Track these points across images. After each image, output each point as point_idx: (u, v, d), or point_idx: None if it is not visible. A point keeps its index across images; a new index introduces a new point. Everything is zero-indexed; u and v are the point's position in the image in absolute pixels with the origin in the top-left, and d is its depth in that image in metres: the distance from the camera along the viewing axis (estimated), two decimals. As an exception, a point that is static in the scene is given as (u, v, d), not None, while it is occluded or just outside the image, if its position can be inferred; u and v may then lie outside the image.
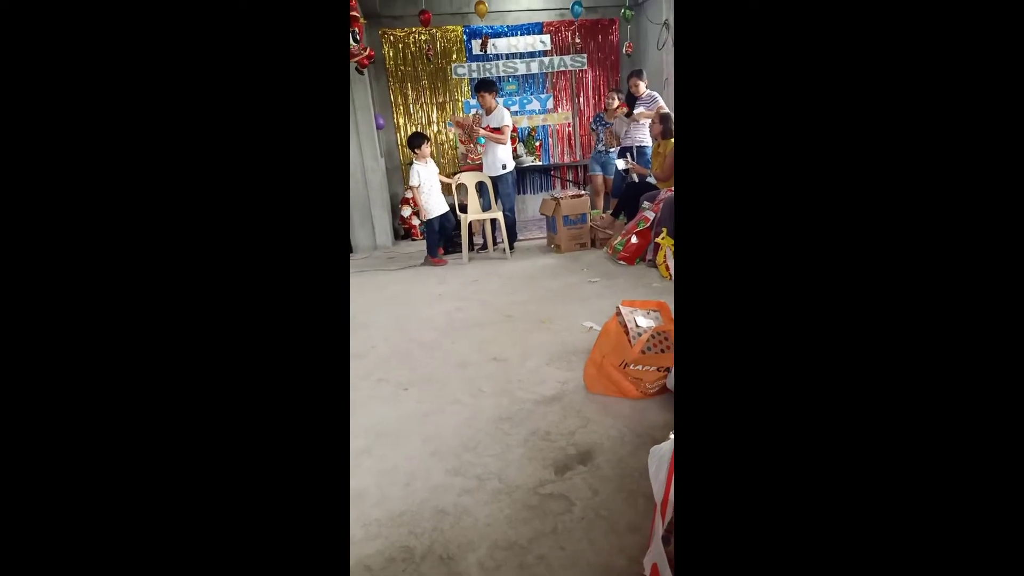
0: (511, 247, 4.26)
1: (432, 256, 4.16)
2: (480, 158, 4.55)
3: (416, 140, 4.10)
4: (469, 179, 4.33)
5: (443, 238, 4.30)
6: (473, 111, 4.83)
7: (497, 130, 4.16)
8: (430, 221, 4.14)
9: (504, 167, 4.24)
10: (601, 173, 4.90)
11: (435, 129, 5.71)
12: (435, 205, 4.12)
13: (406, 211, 5.49)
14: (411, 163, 4.19)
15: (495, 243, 4.44)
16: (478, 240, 4.61)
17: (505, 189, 4.28)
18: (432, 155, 4.37)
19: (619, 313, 1.77)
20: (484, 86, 4.23)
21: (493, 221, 4.29)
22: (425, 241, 4.35)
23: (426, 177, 4.08)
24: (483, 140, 4.28)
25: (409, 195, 5.46)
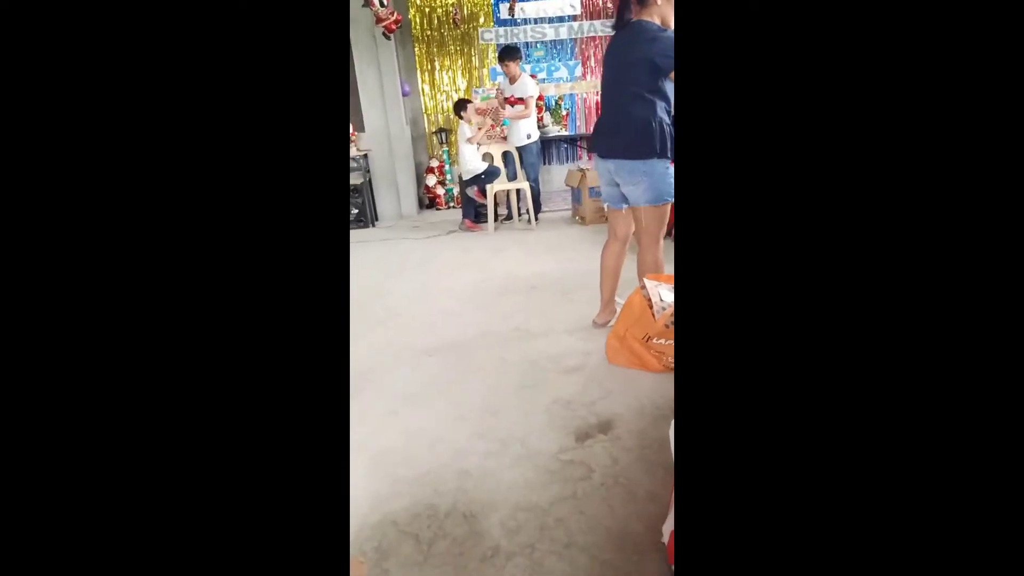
0: (536, 218, 4.24)
1: (470, 220, 4.24)
2: (503, 130, 4.51)
3: (463, 104, 4.23)
4: (494, 149, 4.29)
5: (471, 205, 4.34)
6: (499, 77, 4.72)
7: (521, 100, 4.09)
8: (471, 181, 4.20)
9: (528, 137, 4.18)
10: (631, 144, 4.78)
11: (462, 95, 5.64)
12: (478, 163, 4.23)
13: (431, 180, 5.48)
14: (439, 130, 4.55)
15: (520, 213, 4.42)
16: (502, 210, 4.59)
17: (529, 159, 4.23)
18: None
19: (643, 287, 1.76)
20: (508, 53, 4.12)
21: (518, 191, 4.26)
22: (461, 208, 4.44)
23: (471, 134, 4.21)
24: (508, 123, 4.27)
25: (435, 163, 5.45)
